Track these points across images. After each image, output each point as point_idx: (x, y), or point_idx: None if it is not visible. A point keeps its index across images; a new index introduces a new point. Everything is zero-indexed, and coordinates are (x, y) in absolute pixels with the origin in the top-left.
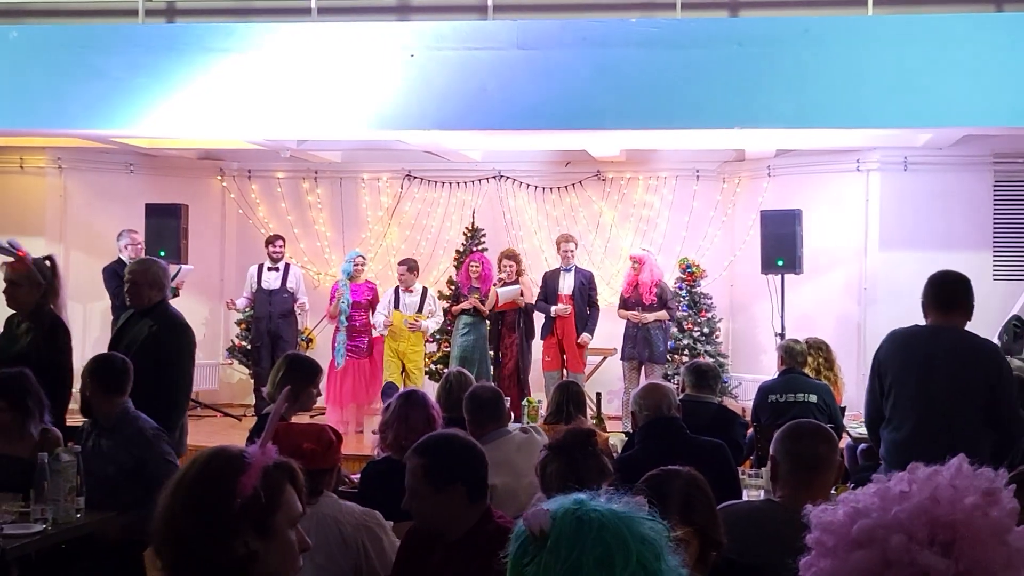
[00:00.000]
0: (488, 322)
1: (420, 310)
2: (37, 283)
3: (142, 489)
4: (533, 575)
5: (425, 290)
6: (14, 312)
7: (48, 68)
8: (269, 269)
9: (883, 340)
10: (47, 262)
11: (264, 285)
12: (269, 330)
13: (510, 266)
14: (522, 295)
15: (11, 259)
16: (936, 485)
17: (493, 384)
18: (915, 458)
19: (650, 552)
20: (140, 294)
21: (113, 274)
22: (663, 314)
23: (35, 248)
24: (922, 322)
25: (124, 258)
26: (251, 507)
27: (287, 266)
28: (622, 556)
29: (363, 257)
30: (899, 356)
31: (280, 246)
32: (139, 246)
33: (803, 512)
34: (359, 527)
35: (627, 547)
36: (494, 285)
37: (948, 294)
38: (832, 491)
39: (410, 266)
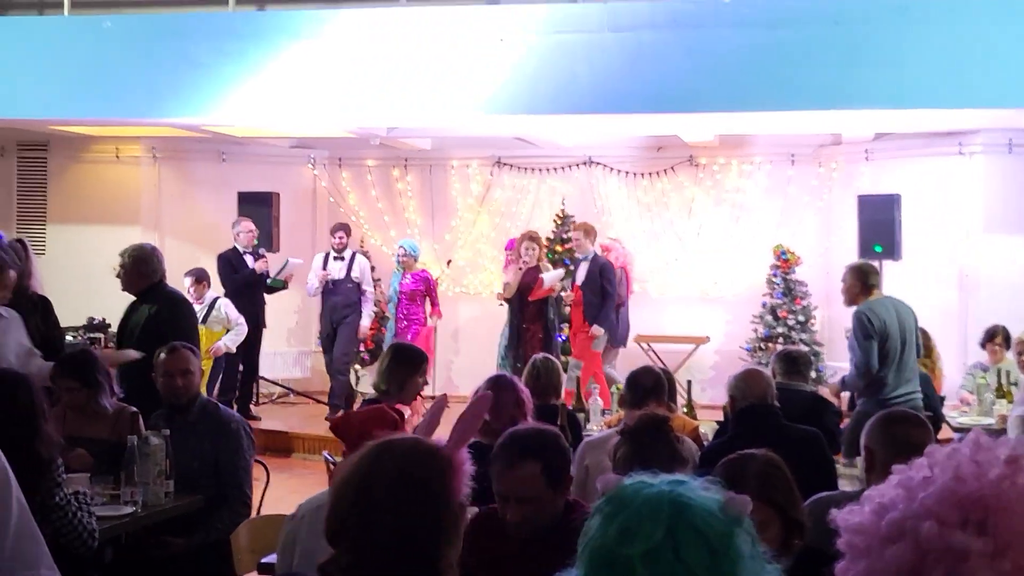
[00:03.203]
0: (509, 310)
1: (205, 321)
2: (16, 267)
3: (218, 483)
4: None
5: (214, 301)
6: None
7: (141, 57)
8: (335, 258)
9: (872, 308)
10: (17, 243)
11: (329, 275)
12: (332, 320)
13: (532, 249)
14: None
15: None
16: (957, 464)
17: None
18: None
19: (695, 541)
20: (123, 280)
21: (226, 262)
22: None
23: (132, 237)
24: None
25: (238, 246)
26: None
27: (353, 255)
28: (645, 533)
29: (403, 248)
30: (885, 320)
31: (341, 237)
32: (252, 233)
33: (829, 516)
34: None
35: (655, 526)
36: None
37: (876, 275)
38: None
39: (197, 277)
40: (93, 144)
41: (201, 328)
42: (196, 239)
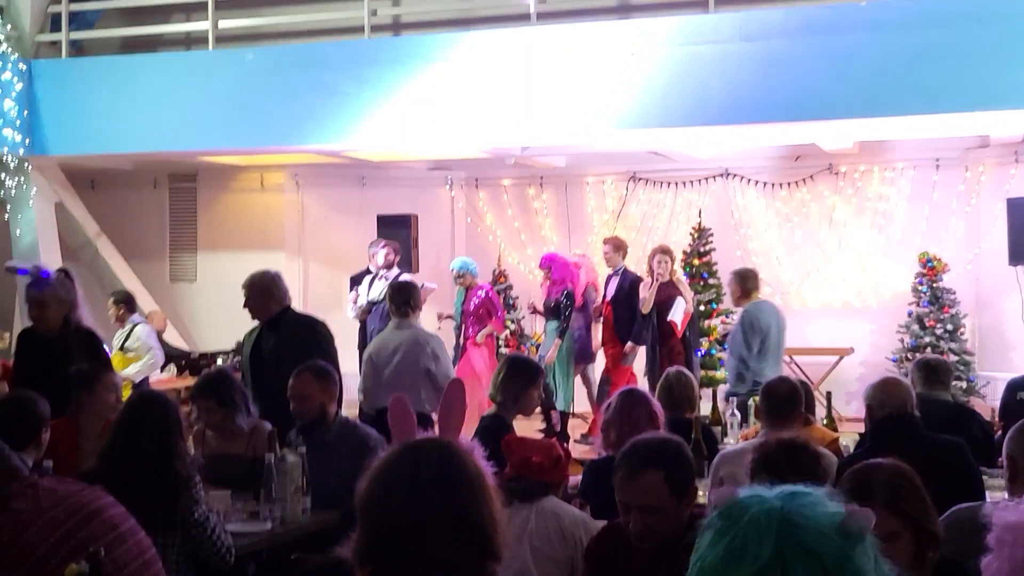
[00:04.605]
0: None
1: (123, 347)
2: (63, 300)
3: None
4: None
5: (133, 328)
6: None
7: (282, 87)
8: (377, 278)
9: (759, 309)
10: (62, 273)
11: (369, 296)
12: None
13: (665, 263)
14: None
15: (32, 281)
16: None
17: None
18: None
19: (806, 562)
20: (255, 307)
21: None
22: None
23: (277, 262)
24: None
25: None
26: None
27: (397, 276)
28: (751, 555)
29: (453, 269)
30: (770, 321)
31: (374, 254)
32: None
33: (982, 512)
34: (577, 523)
35: (761, 548)
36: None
37: (755, 280)
38: None
39: (117, 300)
40: (239, 173)
41: (119, 354)
42: (338, 263)
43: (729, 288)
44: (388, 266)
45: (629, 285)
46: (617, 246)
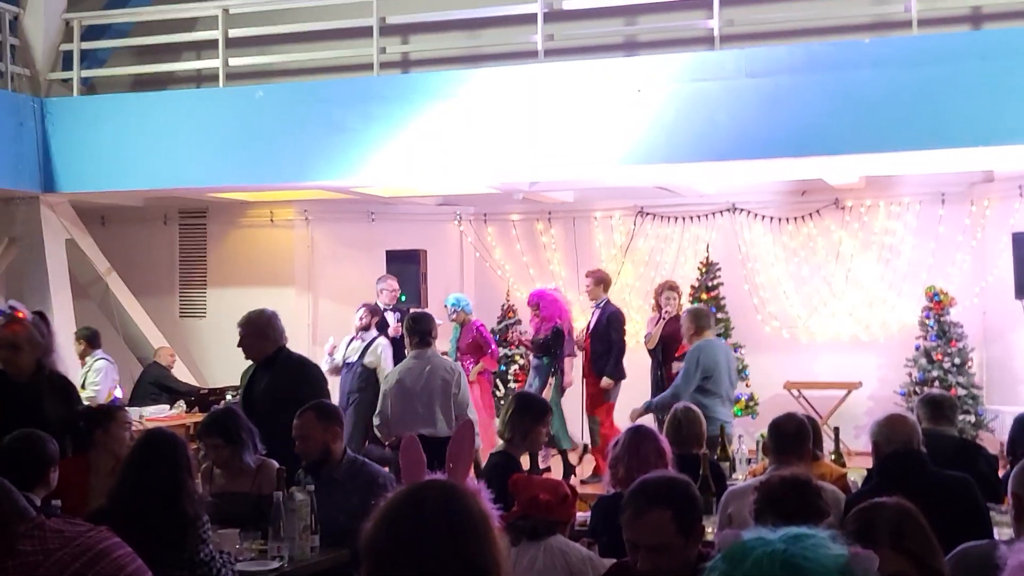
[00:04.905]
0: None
1: (84, 384)
2: (38, 343)
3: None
4: None
5: (93, 363)
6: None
7: (292, 124)
8: (355, 338)
9: (709, 347)
10: (37, 316)
11: (346, 355)
12: (341, 403)
13: (672, 299)
14: None
15: (6, 321)
16: None
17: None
18: None
19: None
20: (249, 346)
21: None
22: None
23: (287, 297)
24: None
25: (380, 303)
26: None
27: (374, 339)
28: None
29: (447, 306)
30: (717, 359)
31: (362, 317)
32: (395, 292)
33: (998, 555)
34: (584, 560)
35: None
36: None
37: (707, 319)
38: None
39: (78, 337)
40: (249, 209)
41: (81, 391)
42: (347, 298)
43: (683, 326)
44: (364, 328)
45: (607, 319)
46: (599, 280)
